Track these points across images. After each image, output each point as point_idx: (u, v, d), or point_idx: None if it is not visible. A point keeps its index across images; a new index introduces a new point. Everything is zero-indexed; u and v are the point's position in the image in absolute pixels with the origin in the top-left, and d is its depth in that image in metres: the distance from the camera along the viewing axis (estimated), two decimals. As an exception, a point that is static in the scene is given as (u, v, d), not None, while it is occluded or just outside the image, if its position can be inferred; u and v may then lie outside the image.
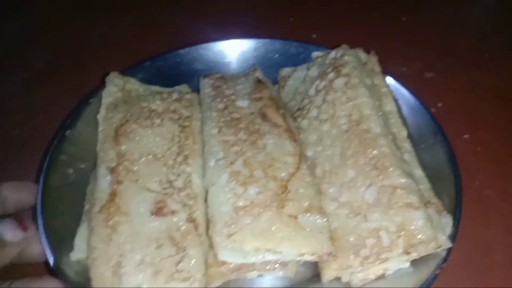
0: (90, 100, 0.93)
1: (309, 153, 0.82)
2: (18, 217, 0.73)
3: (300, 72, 1.01)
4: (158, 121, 0.83)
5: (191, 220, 0.71)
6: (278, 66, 1.06)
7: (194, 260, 0.68)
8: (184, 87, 0.99)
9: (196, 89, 0.98)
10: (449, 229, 0.70)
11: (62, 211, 0.78)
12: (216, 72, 1.01)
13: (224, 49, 1.08)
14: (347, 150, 0.79)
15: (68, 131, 0.87)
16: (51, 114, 1.09)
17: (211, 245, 0.71)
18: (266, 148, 0.79)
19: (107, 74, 0.96)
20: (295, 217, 0.71)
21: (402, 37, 1.30)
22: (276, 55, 1.11)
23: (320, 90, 0.91)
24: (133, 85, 0.95)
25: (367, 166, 0.75)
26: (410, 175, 0.74)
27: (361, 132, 0.79)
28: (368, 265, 0.69)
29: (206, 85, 0.96)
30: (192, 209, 0.73)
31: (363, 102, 0.83)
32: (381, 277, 0.70)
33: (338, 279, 0.72)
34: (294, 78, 1.02)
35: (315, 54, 1.05)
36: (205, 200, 0.76)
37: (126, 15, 1.41)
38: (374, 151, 0.76)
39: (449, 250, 0.68)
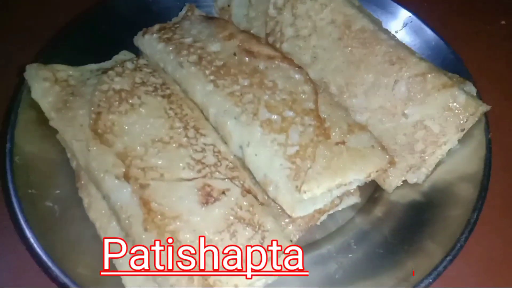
0: (18, 110, 0.69)
1: (311, 74, 0.75)
2: None
3: (240, -3, 0.89)
4: (136, 100, 0.66)
5: (247, 191, 0.61)
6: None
7: (275, 230, 0.59)
8: (124, 54, 0.80)
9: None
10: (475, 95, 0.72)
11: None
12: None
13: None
14: (352, 56, 0.73)
15: (17, 157, 0.65)
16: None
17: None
18: (277, 85, 0.69)
19: (22, 69, 0.72)
20: (343, 143, 0.65)
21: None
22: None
23: (283, 7, 0.81)
24: (65, 71, 0.73)
25: (383, 64, 0.71)
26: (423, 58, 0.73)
27: (356, 33, 0.74)
28: (427, 157, 0.68)
29: (152, 41, 0.78)
30: (241, 180, 0.61)
31: (340, 3, 0.77)
32: (439, 163, 0.70)
33: (404, 185, 0.70)
34: (237, 5, 0.89)
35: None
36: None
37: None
38: (382, 47, 0.72)
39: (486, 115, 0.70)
